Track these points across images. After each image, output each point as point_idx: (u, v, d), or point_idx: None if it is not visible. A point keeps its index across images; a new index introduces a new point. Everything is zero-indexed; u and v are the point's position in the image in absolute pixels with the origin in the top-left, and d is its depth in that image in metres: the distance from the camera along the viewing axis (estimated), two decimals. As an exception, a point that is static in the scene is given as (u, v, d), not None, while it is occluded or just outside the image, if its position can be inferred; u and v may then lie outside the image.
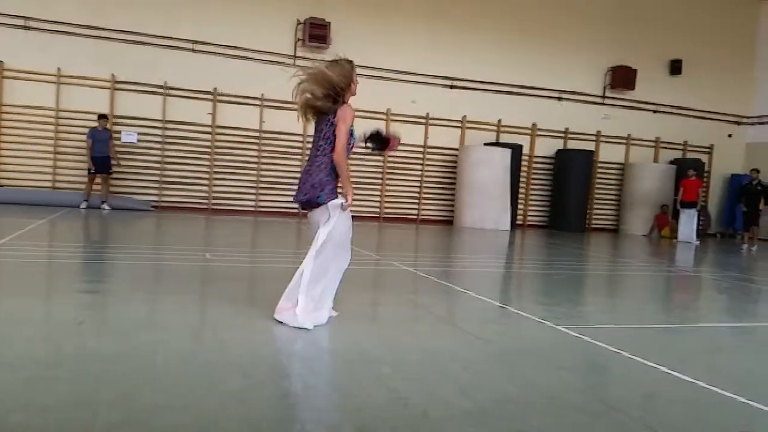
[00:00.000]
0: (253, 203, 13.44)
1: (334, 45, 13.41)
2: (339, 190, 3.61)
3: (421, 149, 14.55)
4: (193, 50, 12.78)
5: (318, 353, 3.07)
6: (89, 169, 11.54)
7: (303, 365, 2.86)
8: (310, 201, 3.56)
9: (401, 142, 4.13)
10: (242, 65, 13.13)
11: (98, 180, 11.69)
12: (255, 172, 13.41)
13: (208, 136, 13.07)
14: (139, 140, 12.60)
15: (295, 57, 13.36)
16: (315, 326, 3.45)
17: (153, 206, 12.57)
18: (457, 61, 14.57)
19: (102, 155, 11.55)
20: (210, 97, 13.02)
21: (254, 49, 13.17)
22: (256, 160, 13.39)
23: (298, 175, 14.63)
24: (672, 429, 2.37)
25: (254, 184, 13.43)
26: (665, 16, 16.24)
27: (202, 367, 2.72)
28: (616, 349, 3.51)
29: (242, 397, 2.38)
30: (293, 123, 13.93)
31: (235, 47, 13.06)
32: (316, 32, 13.21)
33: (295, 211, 13.61)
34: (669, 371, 3.15)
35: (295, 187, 3.74)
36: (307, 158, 3.83)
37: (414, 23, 14.22)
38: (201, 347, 3.08)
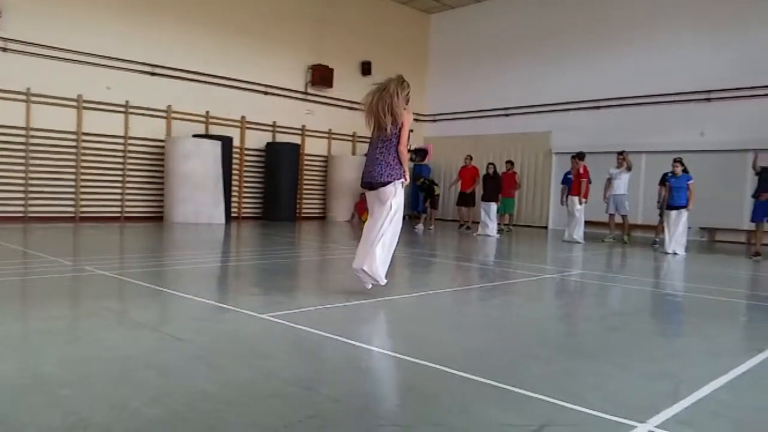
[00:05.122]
0: None
1: (4, 20, 11.39)
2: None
3: (122, 140, 13.36)
4: None
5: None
6: None
7: (-46, 403, 2.39)
8: (382, 182, 5.05)
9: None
10: None
11: None
12: None
13: None
14: None
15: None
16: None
17: None
18: (159, 48, 13.71)
19: None
20: None
21: None
22: None
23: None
24: (354, 395, 2.63)
25: None
26: (356, 20, 17.78)
27: None
28: (315, 330, 3.76)
29: None
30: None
31: None
32: (-24, 2, 11.02)
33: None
34: (358, 344, 3.50)
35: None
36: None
37: (105, 3, 12.90)
38: None
